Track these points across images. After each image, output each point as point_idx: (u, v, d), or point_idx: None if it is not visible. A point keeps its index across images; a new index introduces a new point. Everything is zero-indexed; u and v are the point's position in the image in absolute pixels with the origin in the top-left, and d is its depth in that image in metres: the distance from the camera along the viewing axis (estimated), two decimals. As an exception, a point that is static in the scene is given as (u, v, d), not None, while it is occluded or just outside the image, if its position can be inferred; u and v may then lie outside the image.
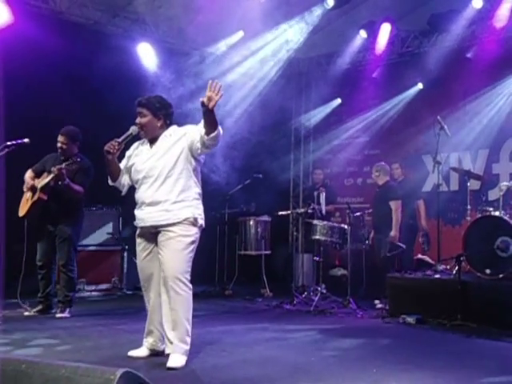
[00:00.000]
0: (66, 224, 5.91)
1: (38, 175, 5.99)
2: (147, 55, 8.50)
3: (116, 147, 3.95)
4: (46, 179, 5.78)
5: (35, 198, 5.81)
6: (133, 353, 4.06)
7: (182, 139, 3.95)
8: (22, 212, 5.94)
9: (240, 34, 8.74)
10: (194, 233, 3.92)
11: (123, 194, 4.24)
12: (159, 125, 4.01)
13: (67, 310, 5.88)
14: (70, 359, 3.93)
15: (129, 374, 1.71)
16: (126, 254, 8.08)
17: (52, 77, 6.90)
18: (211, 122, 3.70)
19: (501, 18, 7.70)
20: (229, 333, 5.14)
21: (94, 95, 7.20)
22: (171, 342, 3.83)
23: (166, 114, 4.05)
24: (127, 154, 4.18)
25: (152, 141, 4.05)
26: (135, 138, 4.12)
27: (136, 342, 4.66)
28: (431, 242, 7.63)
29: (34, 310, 5.95)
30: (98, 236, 8.04)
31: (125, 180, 4.16)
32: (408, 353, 4.54)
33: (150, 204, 3.94)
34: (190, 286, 3.89)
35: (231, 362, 3.95)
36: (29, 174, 6.03)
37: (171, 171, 3.91)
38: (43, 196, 5.78)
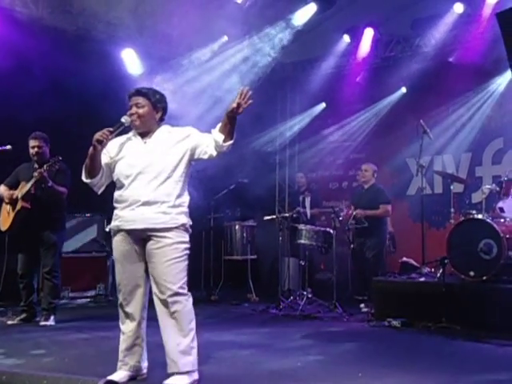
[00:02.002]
0: (50, 231, 5.85)
1: (12, 188, 5.85)
2: (131, 61, 8.49)
3: (108, 137, 3.57)
4: (25, 187, 5.68)
5: (18, 207, 5.71)
6: (113, 377, 3.56)
7: (185, 140, 3.67)
8: (4, 226, 5.82)
9: (224, 38, 8.76)
10: (187, 240, 3.62)
11: (99, 193, 3.80)
12: (157, 118, 3.74)
13: (51, 317, 5.82)
14: (54, 368, 3.90)
15: (111, 384, 1.70)
16: (110, 261, 8.04)
17: (33, 82, 6.82)
18: (231, 130, 3.53)
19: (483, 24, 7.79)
20: (215, 338, 5.12)
21: (77, 101, 7.15)
22: (174, 361, 3.47)
23: (164, 108, 3.79)
24: (107, 149, 3.71)
25: (144, 135, 3.72)
26: (123, 131, 3.80)
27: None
28: (396, 244, 7.75)
29: (18, 318, 5.89)
30: (83, 242, 8.01)
31: (105, 177, 3.73)
32: (393, 356, 4.56)
33: (146, 204, 3.55)
34: (189, 293, 3.57)
35: (217, 367, 3.94)
36: (3, 188, 5.91)
37: (173, 172, 3.61)
38: (26, 204, 5.68)
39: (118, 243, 3.65)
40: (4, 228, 5.83)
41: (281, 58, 9.36)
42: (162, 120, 3.79)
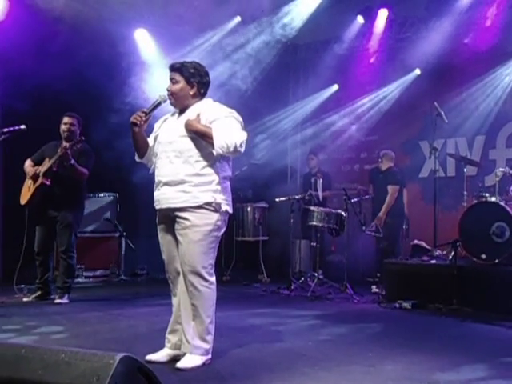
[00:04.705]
0: (68, 210, 5.93)
1: (37, 164, 5.96)
2: (144, 41, 8.46)
3: (143, 118, 3.51)
4: (48, 163, 5.78)
5: (38, 183, 5.81)
6: (152, 357, 3.52)
7: (214, 122, 3.49)
8: (23, 200, 5.91)
9: (237, 19, 8.70)
10: (214, 220, 3.51)
11: (151, 171, 3.73)
12: (191, 93, 3.58)
13: (66, 296, 5.92)
14: (69, 344, 3.97)
15: (128, 359, 1.73)
16: (123, 240, 8.11)
17: (47, 65, 6.81)
18: (203, 137, 3.46)
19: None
20: (226, 318, 5.16)
21: (90, 83, 7.11)
22: (188, 341, 3.47)
23: (201, 83, 3.61)
24: (155, 126, 3.75)
25: (182, 111, 3.62)
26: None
27: (134, 327, 4.73)
28: (410, 228, 7.76)
29: (33, 296, 5.99)
30: (96, 222, 8.08)
31: (152, 155, 3.70)
32: (404, 337, 4.58)
33: (168, 183, 3.50)
34: (212, 279, 3.53)
35: (228, 346, 3.99)
36: (28, 163, 6.03)
37: (196, 152, 3.48)
38: (46, 181, 5.77)
39: (158, 220, 3.68)
40: (23, 202, 5.93)
41: (294, 39, 9.28)
42: (202, 95, 3.65)
